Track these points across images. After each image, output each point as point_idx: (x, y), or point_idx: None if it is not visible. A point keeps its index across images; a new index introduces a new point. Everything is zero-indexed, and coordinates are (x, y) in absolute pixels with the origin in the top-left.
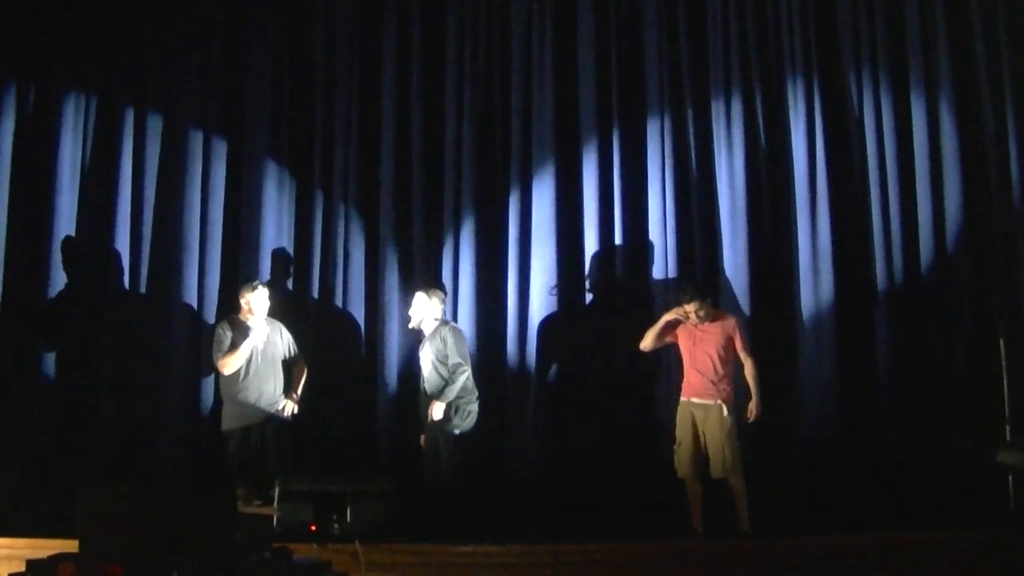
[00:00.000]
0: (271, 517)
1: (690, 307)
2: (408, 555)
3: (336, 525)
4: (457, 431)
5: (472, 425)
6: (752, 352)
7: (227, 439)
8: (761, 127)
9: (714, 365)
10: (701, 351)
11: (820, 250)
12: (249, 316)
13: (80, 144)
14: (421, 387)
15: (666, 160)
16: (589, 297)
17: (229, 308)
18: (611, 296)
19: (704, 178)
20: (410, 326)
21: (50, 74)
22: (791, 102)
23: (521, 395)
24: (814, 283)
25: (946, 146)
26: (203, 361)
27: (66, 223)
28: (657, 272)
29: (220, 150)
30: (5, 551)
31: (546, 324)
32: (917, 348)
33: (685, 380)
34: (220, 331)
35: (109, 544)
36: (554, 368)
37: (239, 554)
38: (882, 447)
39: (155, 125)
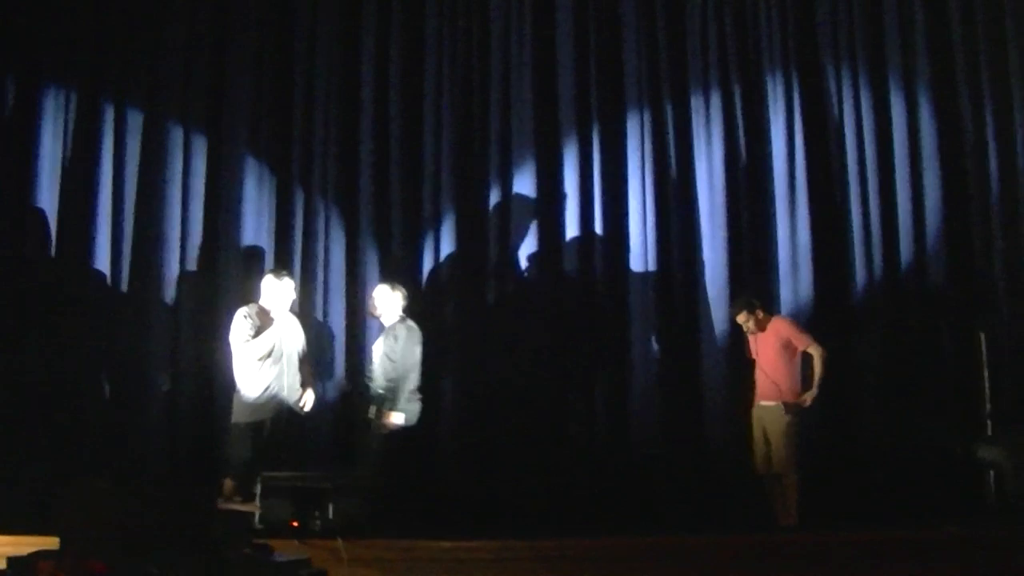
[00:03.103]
0: (252, 513)
1: (740, 319)
2: (390, 551)
3: (317, 521)
4: (390, 428)
5: (415, 420)
6: (815, 340)
7: (236, 431)
8: (740, 122)
9: (773, 367)
10: (762, 356)
11: (799, 246)
12: (271, 306)
13: (60, 140)
14: (365, 378)
15: (645, 155)
16: (568, 292)
17: (209, 302)
18: (590, 291)
19: (683, 174)
20: (371, 315)
21: (29, 69)
22: (770, 97)
23: (503, 389)
24: (793, 279)
25: (925, 141)
26: (181, 356)
27: (47, 218)
28: (636, 267)
29: (200, 146)
30: None
31: (527, 319)
32: (897, 344)
33: (756, 385)
34: (242, 318)
35: (89, 541)
36: (534, 362)
37: (219, 551)
38: (864, 444)
39: (135, 120)
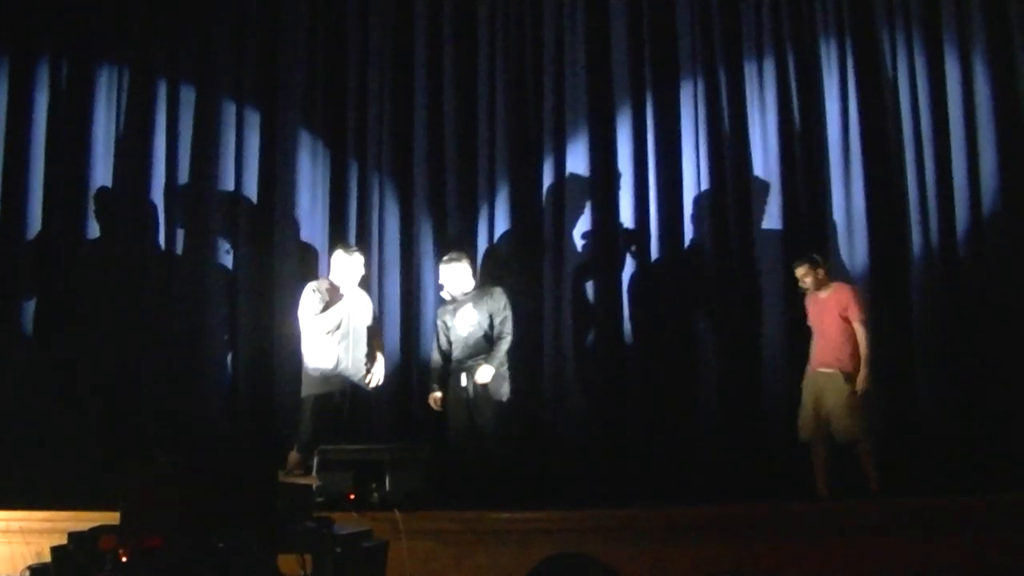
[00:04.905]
0: (312, 486)
1: (799, 272)
2: (447, 522)
3: (375, 493)
4: (505, 399)
5: (509, 392)
6: (866, 322)
7: (304, 405)
8: (794, 89)
9: (834, 334)
10: (822, 320)
11: (854, 212)
12: (340, 281)
13: (114, 116)
14: (444, 352)
15: (699, 124)
16: (623, 262)
17: (264, 276)
18: (646, 260)
19: (738, 141)
20: (443, 294)
21: (83, 46)
22: (824, 63)
23: (558, 361)
24: (849, 246)
25: (980, 104)
26: (239, 331)
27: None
28: (691, 234)
29: (253, 120)
30: (48, 524)
31: (583, 290)
32: (953, 309)
33: (813, 349)
34: (311, 292)
35: (151, 516)
36: (591, 333)
37: (281, 524)
38: (920, 410)
39: (188, 96)
